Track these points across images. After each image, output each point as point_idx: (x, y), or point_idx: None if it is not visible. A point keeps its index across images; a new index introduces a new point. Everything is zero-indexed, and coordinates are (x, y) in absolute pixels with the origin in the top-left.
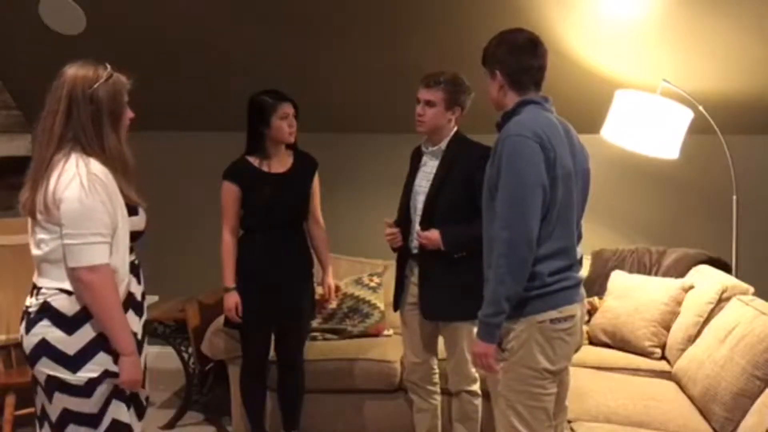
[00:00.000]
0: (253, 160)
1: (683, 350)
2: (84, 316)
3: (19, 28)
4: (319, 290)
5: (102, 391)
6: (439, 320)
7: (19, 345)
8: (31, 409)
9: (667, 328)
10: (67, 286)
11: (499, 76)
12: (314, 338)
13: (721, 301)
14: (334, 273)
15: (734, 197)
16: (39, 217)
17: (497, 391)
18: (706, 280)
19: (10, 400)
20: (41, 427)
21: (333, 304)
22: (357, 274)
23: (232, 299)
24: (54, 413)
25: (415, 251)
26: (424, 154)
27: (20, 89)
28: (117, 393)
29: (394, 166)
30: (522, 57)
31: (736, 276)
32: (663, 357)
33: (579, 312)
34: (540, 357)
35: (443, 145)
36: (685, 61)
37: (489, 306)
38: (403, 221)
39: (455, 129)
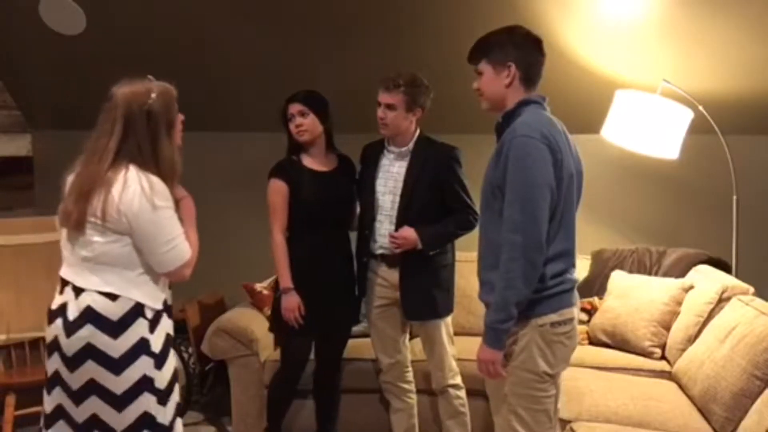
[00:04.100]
0: (297, 159)
1: (683, 350)
2: (128, 320)
3: (19, 28)
4: None
5: (134, 409)
6: (425, 320)
7: (19, 345)
8: (31, 409)
9: (667, 328)
10: (112, 289)
11: (513, 69)
12: None
13: (721, 301)
14: None
15: (734, 197)
16: (92, 220)
17: (498, 396)
18: (706, 280)
19: (10, 400)
20: (48, 427)
21: None
22: None
23: (294, 300)
24: (81, 416)
25: (379, 251)
26: (387, 154)
27: (20, 89)
28: (148, 423)
29: None
30: (534, 51)
31: (736, 276)
32: (663, 357)
33: (576, 314)
34: (540, 361)
35: (410, 146)
36: (685, 61)
37: (498, 311)
38: (366, 222)
39: (418, 129)
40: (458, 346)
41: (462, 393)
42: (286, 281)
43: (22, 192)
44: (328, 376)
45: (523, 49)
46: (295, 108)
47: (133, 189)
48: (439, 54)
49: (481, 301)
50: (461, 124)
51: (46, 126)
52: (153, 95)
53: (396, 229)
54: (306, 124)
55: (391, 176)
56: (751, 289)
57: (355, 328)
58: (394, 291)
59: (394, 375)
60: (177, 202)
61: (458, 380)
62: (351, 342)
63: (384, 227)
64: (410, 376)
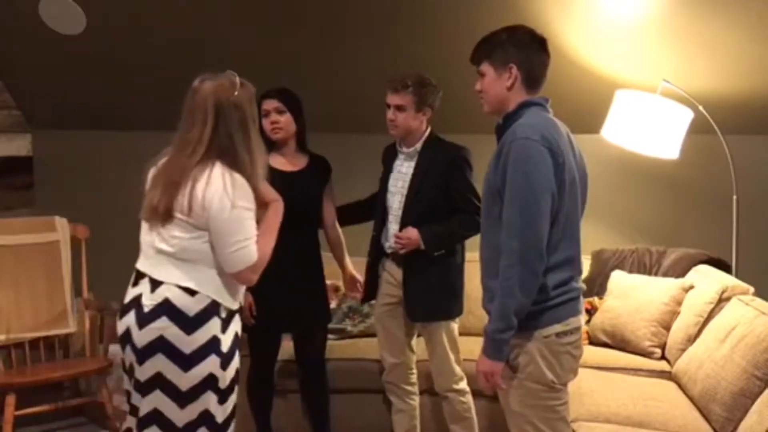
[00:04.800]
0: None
1: (683, 350)
2: (204, 317)
3: (19, 28)
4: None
5: (195, 407)
6: (425, 321)
7: (19, 345)
8: (31, 409)
9: (667, 328)
10: (192, 285)
11: (515, 71)
12: None
13: (721, 301)
14: (335, 274)
15: (734, 197)
16: (178, 215)
17: (511, 409)
18: (706, 280)
19: (10, 400)
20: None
21: (332, 304)
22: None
23: (246, 299)
24: (144, 410)
25: (389, 251)
26: (399, 154)
27: (20, 89)
28: (207, 421)
29: None
30: (538, 52)
31: (736, 276)
32: (663, 357)
33: (582, 323)
34: (547, 372)
35: (418, 146)
36: (685, 61)
37: (498, 321)
38: (378, 221)
39: (429, 129)
40: (460, 346)
41: (466, 398)
42: None
43: (22, 192)
44: (311, 377)
45: (525, 49)
46: (271, 104)
47: (216, 185)
48: (439, 54)
49: (484, 310)
50: (461, 124)
51: (46, 126)
52: (238, 88)
53: (400, 230)
54: (282, 122)
55: (400, 176)
56: (751, 289)
57: (356, 328)
58: (400, 289)
59: (398, 376)
60: (266, 205)
61: (462, 385)
62: (353, 342)
63: (393, 227)
64: (414, 378)
